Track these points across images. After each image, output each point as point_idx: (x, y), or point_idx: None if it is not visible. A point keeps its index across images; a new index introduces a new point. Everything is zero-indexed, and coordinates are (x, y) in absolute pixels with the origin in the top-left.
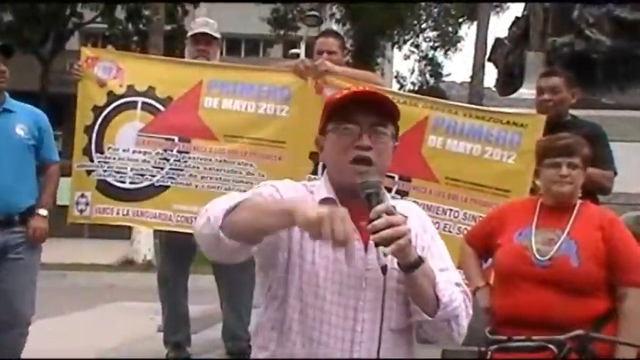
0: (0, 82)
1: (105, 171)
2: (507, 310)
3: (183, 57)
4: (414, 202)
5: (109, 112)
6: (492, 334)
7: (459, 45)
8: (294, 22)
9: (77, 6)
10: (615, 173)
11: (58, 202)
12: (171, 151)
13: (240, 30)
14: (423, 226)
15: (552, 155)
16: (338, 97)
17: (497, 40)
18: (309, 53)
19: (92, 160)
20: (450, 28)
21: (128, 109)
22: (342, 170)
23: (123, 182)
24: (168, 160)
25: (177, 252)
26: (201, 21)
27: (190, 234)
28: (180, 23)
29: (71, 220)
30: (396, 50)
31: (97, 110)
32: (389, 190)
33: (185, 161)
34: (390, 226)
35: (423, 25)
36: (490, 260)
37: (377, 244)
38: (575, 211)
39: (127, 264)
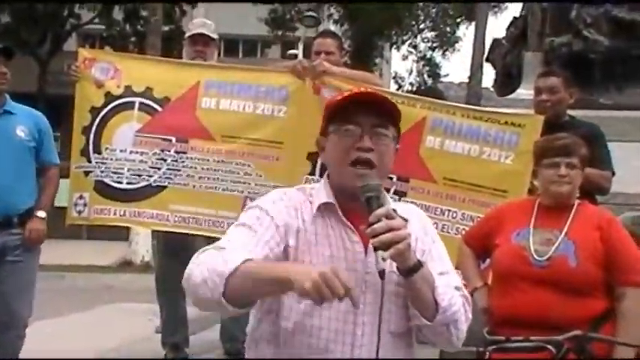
0: (1, 84)
1: (102, 172)
2: (505, 311)
3: (181, 58)
4: (412, 202)
5: (106, 113)
6: (490, 334)
7: (456, 45)
8: (291, 22)
9: (75, 7)
10: (613, 173)
11: (57, 204)
12: (169, 151)
13: (237, 31)
14: (424, 229)
15: (550, 155)
16: (339, 99)
17: (495, 41)
18: (306, 54)
19: (90, 161)
20: (448, 29)
21: (125, 110)
22: (342, 172)
23: (120, 183)
24: (165, 160)
25: (175, 253)
26: (199, 22)
27: (188, 234)
28: (177, 24)
29: (70, 221)
30: (394, 51)
31: (95, 111)
32: (387, 190)
33: (182, 161)
34: (390, 230)
35: (421, 26)
36: (488, 260)
37: (376, 249)
38: (573, 212)
39: (125, 265)
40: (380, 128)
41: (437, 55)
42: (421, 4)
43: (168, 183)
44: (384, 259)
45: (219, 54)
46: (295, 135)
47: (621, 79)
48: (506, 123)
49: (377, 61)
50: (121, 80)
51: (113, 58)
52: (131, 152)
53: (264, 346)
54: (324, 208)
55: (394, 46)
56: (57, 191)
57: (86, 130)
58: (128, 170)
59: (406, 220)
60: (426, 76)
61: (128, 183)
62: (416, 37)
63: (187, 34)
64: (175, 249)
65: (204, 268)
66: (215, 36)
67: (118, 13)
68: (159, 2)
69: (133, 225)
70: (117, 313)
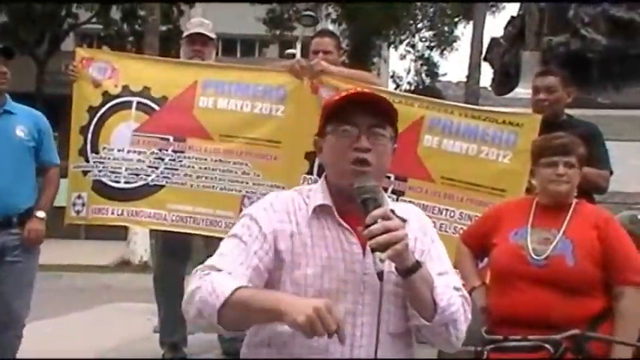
0: (1, 84)
1: (100, 171)
2: (503, 310)
3: (178, 57)
4: (410, 202)
5: (104, 113)
6: (488, 333)
7: (454, 45)
8: (289, 22)
9: (72, 7)
10: (611, 172)
11: (55, 204)
12: (166, 150)
13: (235, 30)
14: (423, 229)
15: (548, 154)
16: (336, 99)
17: (493, 40)
18: (304, 53)
19: (88, 161)
20: (446, 28)
21: (123, 109)
22: (340, 172)
23: (118, 182)
24: (163, 159)
25: (173, 252)
26: (197, 21)
27: (186, 234)
28: (175, 24)
29: (68, 221)
30: (392, 50)
31: (92, 111)
32: (384, 189)
33: (180, 161)
34: (387, 231)
35: (419, 25)
36: (486, 260)
37: (373, 250)
38: (570, 211)
39: (124, 265)
40: (377, 128)
41: (435, 55)
42: (419, 3)
43: (166, 182)
44: (381, 261)
45: (216, 53)
46: (293, 134)
47: (619, 78)
48: (504, 122)
49: (375, 60)
50: (118, 80)
51: (111, 58)
52: (129, 152)
53: (263, 350)
54: (320, 210)
55: (392, 46)
56: (57, 191)
57: (84, 130)
58: (126, 170)
59: (404, 221)
60: (424, 75)
61: (126, 182)
62: (414, 36)
63: (185, 34)
64: (174, 249)
65: (198, 299)
66: (213, 35)
67: (115, 13)
68: (156, 2)
69: (131, 224)
70: (115, 313)
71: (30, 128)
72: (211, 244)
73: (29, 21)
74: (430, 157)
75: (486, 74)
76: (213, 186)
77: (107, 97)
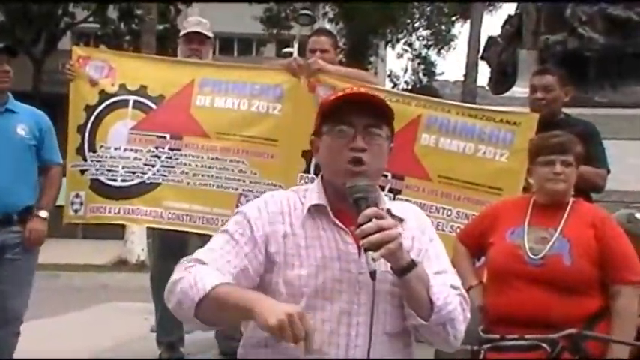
0: (4, 82)
1: (97, 170)
2: (500, 309)
3: (175, 57)
4: (407, 200)
5: (100, 111)
6: (485, 332)
7: (452, 44)
8: (286, 21)
9: (69, 6)
10: (608, 171)
11: None
12: (163, 148)
13: (233, 29)
14: (422, 229)
15: (546, 153)
16: (332, 99)
17: (490, 39)
18: (302, 52)
19: (85, 160)
20: (443, 27)
21: (120, 108)
22: (336, 172)
23: (114, 180)
24: (159, 157)
25: (170, 251)
26: (194, 20)
27: (183, 232)
28: (172, 23)
29: (66, 220)
30: (389, 49)
31: (90, 109)
32: (382, 188)
33: (177, 159)
34: (379, 230)
35: (416, 24)
36: (483, 259)
37: (366, 249)
38: (567, 210)
39: (121, 264)
40: (373, 128)
41: (432, 54)
42: (416, 2)
43: (163, 180)
44: (374, 260)
45: (214, 53)
46: (290, 133)
47: (616, 77)
48: (501, 121)
49: (372, 59)
50: (115, 78)
51: (108, 57)
52: (125, 150)
53: (260, 351)
54: (314, 210)
55: (389, 45)
56: (60, 191)
57: (81, 129)
58: (122, 168)
59: (401, 220)
60: (421, 74)
61: (123, 181)
62: (411, 35)
63: (182, 33)
64: (171, 248)
65: (179, 289)
66: (210, 34)
67: (112, 12)
68: (153, 1)
69: (128, 222)
70: (112, 312)
71: (31, 127)
72: (208, 242)
73: (26, 20)
74: (427, 155)
75: (483, 73)
76: (210, 184)
77: (104, 95)
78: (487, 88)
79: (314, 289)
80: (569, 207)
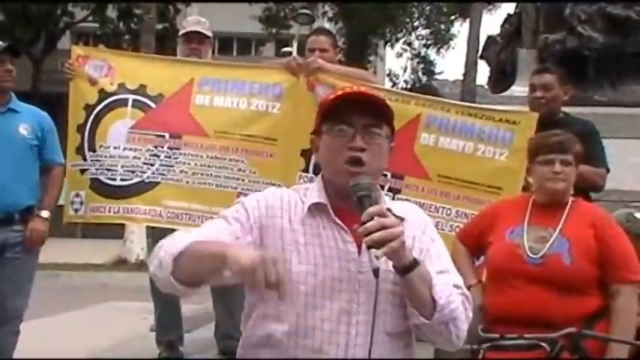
0: (7, 82)
1: (97, 169)
2: (500, 308)
3: (175, 56)
4: (406, 199)
5: (100, 110)
6: (485, 332)
7: (451, 43)
8: (286, 20)
9: (68, 5)
10: (608, 170)
11: None
12: (162, 147)
13: (232, 29)
14: (423, 228)
15: (545, 152)
16: (332, 98)
17: (490, 38)
18: (301, 52)
19: (85, 159)
20: (443, 26)
21: (119, 107)
22: (335, 171)
23: (114, 180)
24: (158, 156)
25: None
26: (193, 19)
27: None
28: (172, 22)
29: (67, 219)
30: (388, 48)
31: (89, 108)
32: (381, 187)
33: (176, 157)
34: (382, 228)
35: (416, 23)
36: (482, 258)
37: (369, 247)
38: (567, 209)
39: (120, 263)
40: (373, 128)
41: (431, 53)
42: (415, 2)
43: (162, 179)
44: (377, 258)
45: (213, 52)
46: (289, 132)
47: (615, 76)
48: (500, 120)
49: (371, 58)
50: (114, 77)
51: (107, 56)
52: (124, 149)
53: (259, 351)
54: (315, 209)
55: (388, 44)
56: (61, 191)
57: (81, 128)
58: (122, 167)
59: (402, 219)
60: (420, 73)
61: (122, 180)
62: (410, 34)
63: (181, 32)
64: None
65: (161, 251)
66: (210, 33)
67: (111, 12)
68: (153, 1)
69: (127, 221)
70: (112, 312)
71: (33, 127)
72: None
73: (25, 20)
74: (427, 154)
75: (483, 72)
76: (209, 183)
77: (103, 94)
78: (486, 87)
79: (313, 287)
80: (568, 206)
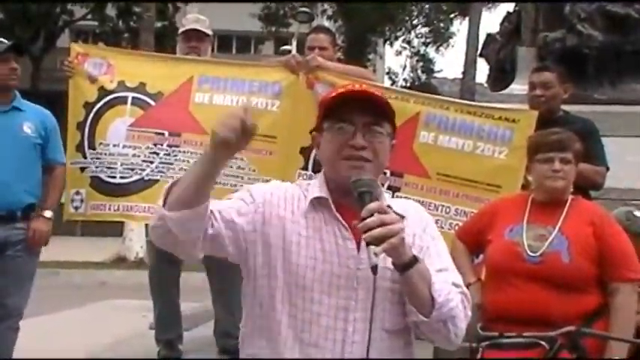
0: (11, 80)
1: (97, 167)
2: (499, 307)
3: (174, 54)
4: (406, 198)
5: (99, 108)
6: (484, 330)
7: (450, 41)
8: (285, 18)
9: (67, 3)
10: (607, 169)
11: None
12: (162, 145)
13: (231, 27)
14: (423, 226)
15: (545, 150)
16: (333, 96)
17: (489, 36)
18: (300, 50)
19: (85, 157)
20: (442, 25)
21: (119, 105)
22: (336, 167)
23: (113, 177)
24: (158, 154)
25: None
26: (193, 17)
27: None
28: (171, 20)
29: (67, 217)
30: (387, 46)
31: (88, 106)
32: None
33: (175, 155)
34: (382, 224)
35: (415, 22)
36: (481, 256)
37: (368, 243)
38: (566, 207)
39: (119, 261)
40: (374, 126)
41: (430, 51)
42: (414, 0)
43: (161, 177)
44: (376, 254)
45: (212, 50)
46: (289, 130)
47: (615, 75)
48: (500, 118)
49: (370, 57)
50: (114, 75)
51: (106, 54)
52: (124, 146)
53: (255, 340)
54: (317, 203)
55: (388, 42)
56: (63, 190)
57: (81, 126)
58: (121, 165)
59: (403, 217)
60: (419, 71)
61: (121, 177)
62: (409, 32)
63: (181, 30)
64: None
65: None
66: (209, 32)
67: (110, 10)
68: (152, 0)
69: (127, 219)
70: (111, 310)
71: (37, 125)
72: None
73: (24, 18)
74: (426, 153)
75: (482, 70)
76: None
77: (103, 92)
78: (486, 85)
79: (311, 281)
80: (567, 204)
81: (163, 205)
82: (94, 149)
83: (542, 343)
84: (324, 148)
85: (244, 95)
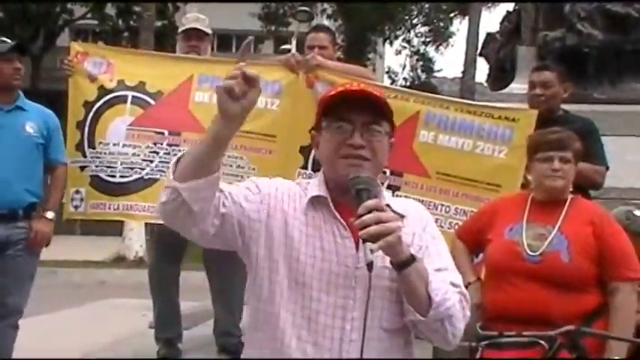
0: (15, 80)
1: (97, 166)
2: (498, 306)
3: (174, 53)
4: (406, 197)
5: (99, 107)
6: (483, 329)
7: (450, 40)
8: (285, 17)
9: (67, 3)
10: (607, 168)
11: None
12: (161, 144)
13: (231, 26)
14: (424, 225)
15: (544, 149)
16: (331, 95)
17: (489, 35)
18: (300, 49)
19: (85, 156)
20: (442, 24)
21: (118, 104)
22: (334, 165)
23: (113, 176)
24: (158, 153)
25: (168, 248)
26: (193, 16)
27: None
28: (170, 20)
29: (67, 216)
30: (387, 46)
31: (88, 105)
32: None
33: (175, 154)
34: (379, 222)
35: (415, 21)
36: (481, 255)
37: (364, 241)
38: (566, 206)
39: (119, 260)
40: (372, 125)
41: (430, 50)
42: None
43: (161, 176)
44: (372, 252)
45: (212, 49)
46: (288, 129)
47: (615, 74)
48: (499, 117)
49: (370, 56)
50: (114, 74)
51: (106, 53)
52: (124, 145)
53: (258, 335)
54: (316, 202)
55: (387, 41)
56: (64, 191)
57: (80, 125)
58: (121, 164)
59: (402, 216)
60: (419, 71)
61: (121, 176)
62: (409, 32)
63: (181, 29)
64: (169, 244)
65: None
66: (209, 31)
67: (110, 9)
68: (152, 0)
69: (127, 218)
70: (110, 309)
71: (40, 125)
72: None
73: (24, 17)
74: (426, 152)
75: (482, 70)
76: None
77: (102, 91)
78: (485, 84)
79: (310, 279)
80: (567, 204)
81: (173, 179)
82: (94, 148)
83: (542, 342)
84: (322, 147)
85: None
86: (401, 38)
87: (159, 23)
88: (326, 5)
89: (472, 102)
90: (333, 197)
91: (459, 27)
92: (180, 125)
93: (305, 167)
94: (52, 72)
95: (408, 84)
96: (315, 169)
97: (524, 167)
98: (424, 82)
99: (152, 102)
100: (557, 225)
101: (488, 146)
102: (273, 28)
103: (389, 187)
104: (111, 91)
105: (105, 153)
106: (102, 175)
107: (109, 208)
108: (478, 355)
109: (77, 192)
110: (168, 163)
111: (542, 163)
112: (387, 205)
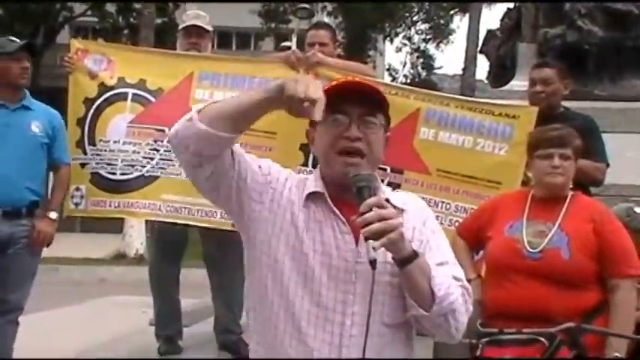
0: (22, 79)
1: (97, 163)
2: (498, 303)
3: (174, 50)
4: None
5: (100, 104)
6: (483, 326)
7: (450, 37)
8: (285, 15)
9: (67, 0)
10: (607, 165)
11: None
12: (162, 141)
13: (231, 23)
14: (424, 220)
15: (544, 146)
16: (326, 89)
17: (489, 32)
18: (300, 46)
19: (85, 153)
20: (442, 21)
21: (119, 101)
22: (331, 162)
23: (114, 174)
24: (158, 150)
25: (168, 246)
26: (193, 14)
27: (182, 226)
28: (171, 17)
29: (67, 213)
30: (387, 43)
31: (89, 102)
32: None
33: None
34: (381, 219)
35: (415, 18)
36: (481, 252)
37: (367, 238)
38: (566, 203)
39: (119, 258)
40: (368, 117)
41: (431, 47)
42: None
43: (161, 173)
44: (374, 249)
45: (212, 46)
46: (288, 126)
47: (615, 71)
48: (500, 114)
49: (370, 53)
50: (114, 71)
51: (106, 50)
52: (124, 143)
53: (258, 334)
54: (313, 198)
55: (388, 38)
56: (67, 191)
57: (81, 122)
58: (122, 161)
59: (402, 210)
60: (419, 68)
61: (122, 174)
62: (410, 29)
63: (181, 26)
64: (169, 242)
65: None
66: (209, 28)
67: (110, 6)
68: None
69: (127, 216)
70: (111, 306)
71: (45, 125)
72: (207, 238)
73: (24, 15)
74: (426, 149)
75: (482, 67)
76: None
77: (103, 88)
78: (486, 81)
79: (312, 271)
80: (567, 201)
81: (200, 117)
82: (95, 145)
83: (542, 339)
84: (318, 142)
85: (244, 91)
86: (401, 35)
87: (159, 20)
88: (326, 2)
89: (472, 99)
90: (331, 192)
91: (460, 24)
92: None
93: (305, 164)
94: (52, 69)
95: (408, 81)
96: (315, 166)
97: (525, 164)
98: (424, 79)
99: (152, 99)
100: (557, 222)
101: (489, 143)
102: (273, 25)
103: (389, 184)
104: (111, 88)
105: (105, 150)
106: (102, 172)
107: (110, 205)
108: (478, 352)
109: (77, 189)
110: (168, 160)
111: (543, 160)
112: (387, 200)
